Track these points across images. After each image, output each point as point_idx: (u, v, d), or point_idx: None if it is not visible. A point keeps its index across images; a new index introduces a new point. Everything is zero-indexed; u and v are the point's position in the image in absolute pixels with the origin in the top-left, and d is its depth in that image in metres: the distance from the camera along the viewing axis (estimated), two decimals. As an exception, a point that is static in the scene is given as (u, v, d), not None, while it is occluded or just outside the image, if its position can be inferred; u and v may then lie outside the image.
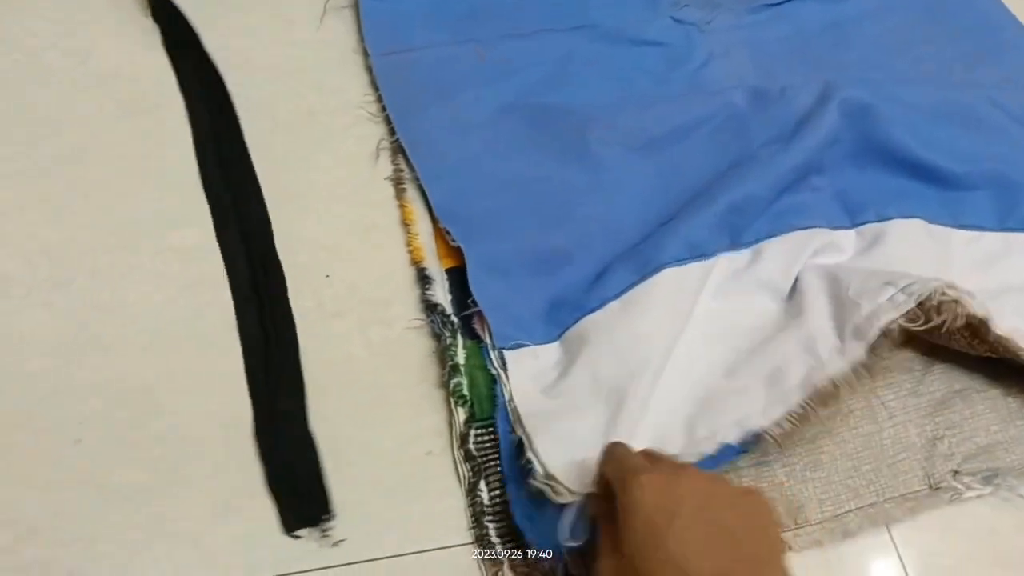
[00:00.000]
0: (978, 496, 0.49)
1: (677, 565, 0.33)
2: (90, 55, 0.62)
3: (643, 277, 0.51)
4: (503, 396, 0.48)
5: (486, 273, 0.52)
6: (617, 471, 0.37)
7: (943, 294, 0.47)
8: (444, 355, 0.50)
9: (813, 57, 0.68)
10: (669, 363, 0.48)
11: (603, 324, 0.50)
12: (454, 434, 0.48)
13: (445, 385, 0.49)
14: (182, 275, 0.52)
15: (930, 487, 0.49)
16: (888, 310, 0.47)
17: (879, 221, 0.56)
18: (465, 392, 0.49)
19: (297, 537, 0.44)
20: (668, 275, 0.51)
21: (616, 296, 0.51)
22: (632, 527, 0.34)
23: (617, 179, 0.58)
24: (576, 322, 0.51)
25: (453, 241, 0.53)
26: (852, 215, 0.56)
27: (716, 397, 0.48)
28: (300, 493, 0.46)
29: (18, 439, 0.45)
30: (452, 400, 0.49)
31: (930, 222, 0.56)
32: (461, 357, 0.50)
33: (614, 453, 0.40)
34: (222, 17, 0.64)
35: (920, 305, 0.47)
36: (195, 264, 0.52)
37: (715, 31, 0.68)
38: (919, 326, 0.47)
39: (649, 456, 0.39)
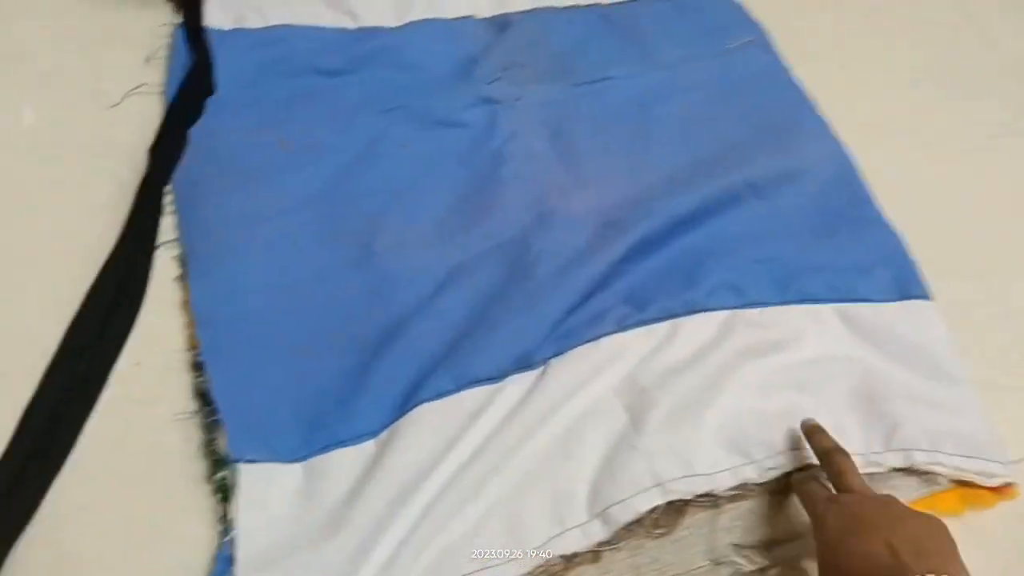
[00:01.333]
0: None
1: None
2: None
3: (402, 414, 0.52)
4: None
5: (235, 377, 0.53)
6: (808, 502, 0.49)
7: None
8: (209, 448, 0.49)
9: (614, 141, 0.70)
10: (422, 503, 0.49)
11: (354, 462, 0.51)
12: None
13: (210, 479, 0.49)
14: None
15: (712, 562, 0.50)
16: (642, 503, 0.50)
17: (668, 318, 0.57)
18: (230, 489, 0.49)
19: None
20: (427, 411, 0.52)
21: (373, 435, 0.52)
22: (821, 541, 0.46)
23: (398, 285, 0.58)
24: (328, 451, 0.51)
25: (198, 356, 0.53)
26: (640, 310, 0.57)
27: (456, 542, 0.48)
28: None
29: None
30: (217, 497, 0.47)
31: (715, 310, 0.58)
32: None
33: (803, 487, 0.50)
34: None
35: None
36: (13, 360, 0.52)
37: (521, 109, 0.70)
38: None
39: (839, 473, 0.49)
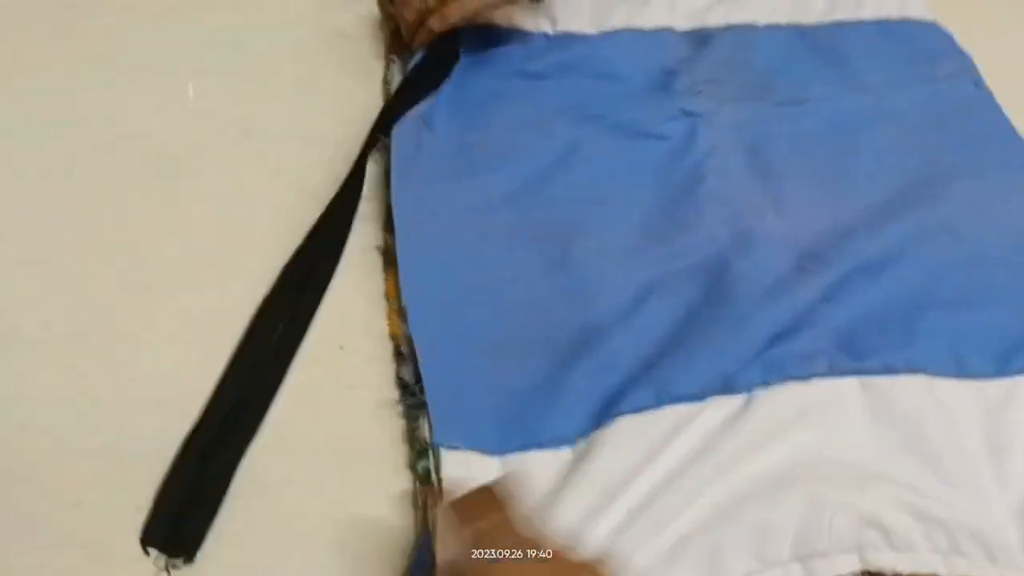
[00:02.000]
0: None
1: None
2: (117, 110, 0.64)
3: (600, 425, 0.51)
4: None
5: (439, 361, 0.53)
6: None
7: None
8: (411, 435, 0.50)
9: (813, 164, 0.68)
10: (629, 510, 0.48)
11: (551, 466, 0.50)
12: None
13: (412, 467, 0.50)
14: (196, 339, 0.54)
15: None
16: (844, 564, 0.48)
17: (886, 373, 0.54)
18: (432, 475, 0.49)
19: (145, 553, 0.46)
20: (627, 423, 0.51)
21: (570, 442, 0.51)
22: None
23: (595, 293, 0.58)
24: (524, 451, 0.51)
25: (404, 334, 0.54)
26: (855, 358, 0.55)
27: (648, 567, 0.47)
28: (179, 519, 0.47)
29: (16, 497, 0.47)
30: (416, 484, 0.47)
31: (935, 375, 0.55)
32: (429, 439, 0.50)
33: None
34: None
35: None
36: (212, 332, 0.54)
37: (721, 125, 0.69)
38: None
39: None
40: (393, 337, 0.55)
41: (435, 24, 0.65)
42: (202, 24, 0.69)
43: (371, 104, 0.66)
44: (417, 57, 0.68)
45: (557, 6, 0.73)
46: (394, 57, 0.70)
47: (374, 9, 0.73)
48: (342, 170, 0.61)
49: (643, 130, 0.67)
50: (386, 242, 0.59)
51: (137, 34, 0.68)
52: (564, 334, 0.56)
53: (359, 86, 0.67)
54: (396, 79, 0.68)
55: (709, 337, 0.55)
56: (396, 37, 0.70)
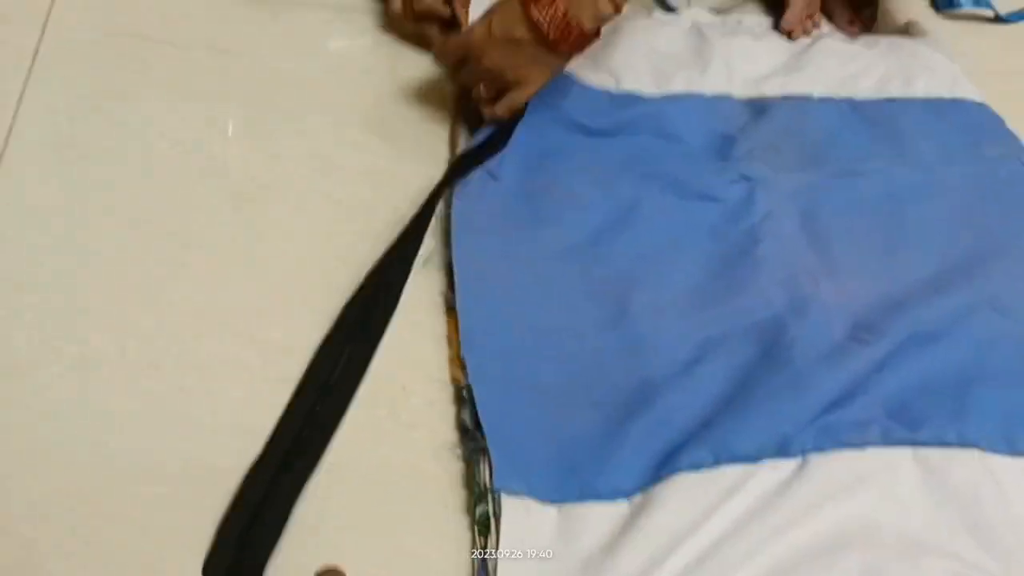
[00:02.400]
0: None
1: None
2: (199, 145, 0.66)
3: (658, 480, 0.52)
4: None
5: (498, 408, 0.54)
6: None
7: None
8: (472, 480, 0.50)
9: (865, 235, 0.69)
10: (685, 565, 0.49)
11: (608, 518, 0.51)
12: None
13: (471, 510, 0.50)
14: (263, 370, 0.55)
15: None
16: None
17: (939, 445, 0.55)
18: (491, 520, 0.49)
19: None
20: (684, 480, 0.52)
21: (627, 495, 0.52)
22: None
23: (651, 350, 0.59)
24: (582, 501, 0.51)
25: (465, 379, 0.55)
26: (909, 428, 0.55)
27: None
28: (240, 553, 0.48)
29: (85, 517, 0.48)
30: (475, 528, 0.48)
31: (987, 451, 0.56)
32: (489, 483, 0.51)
33: None
34: None
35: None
36: (278, 361, 0.56)
37: (777, 190, 0.70)
38: None
39: None
40: (454, 381, 0.56)
41: (502, 111, 0.67)
42: (280, 69, 0.72)
43: (438, 153, 0.68)
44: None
45: (620, 67, 0.76)
46: (459, 114, 0.72)
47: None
48: (409, 213, 0.63)
49: (702, 192, 0.69)
50: (449, 287, 0.60)
51: (218, 71, 0.70)
52: (621, 387, 0.57)
53: (427, 135, 0.70)
54: (462, 133, 0.70)
55: (765, 398, 0.56)
56: (462, 94, 0.72)
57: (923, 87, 0.83)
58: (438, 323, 0.59)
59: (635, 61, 0.77)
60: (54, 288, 0.56)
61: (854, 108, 0.80)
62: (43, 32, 0.68)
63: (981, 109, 0.82)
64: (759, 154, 0.72)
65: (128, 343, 0.55)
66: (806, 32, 0.87)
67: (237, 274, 0.59)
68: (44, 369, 0.53)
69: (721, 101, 0.77)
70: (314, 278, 0.60)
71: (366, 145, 0.68)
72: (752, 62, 0.81)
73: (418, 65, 0.73)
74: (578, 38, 0.63)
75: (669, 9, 0.87)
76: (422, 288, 0.60)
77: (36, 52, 0.67)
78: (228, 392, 0.54)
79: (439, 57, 0.69)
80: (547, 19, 0.61)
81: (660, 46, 0.79)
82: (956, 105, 0.82)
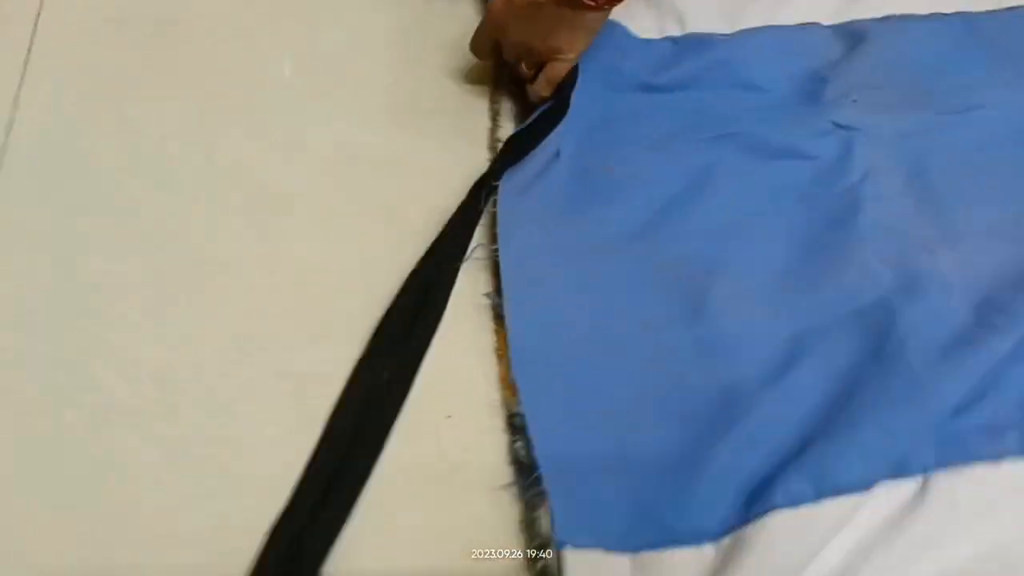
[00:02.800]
0: None
1: None
2: (213, 144, 0.59)
3: (749, 519, 0.44)
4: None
5: (556, 441, 0.47)
6: None
7: None
8: (530, 527, 0.43)
9: (987, 183, 0.58)
10: None
11: (693, 567, 0.43)
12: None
13: (531, 566, 0.44)
14: (296, 406, 0.49)
15: None
16: None
17: None
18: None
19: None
20: (780, 520, 0.43)
21: (713, 538, 0.44)
22: None
23: (735, 351, 0.50)
24: (660, 548, 0.44)
25: (517, 404, 0.48)
26: None
27: None
28: None
29: None
30: (536, 583, 0.42)
31: None
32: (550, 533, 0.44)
33: None
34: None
35: None
36: (312, 394, 0.49)
37: (880, 140, 0.59)
38: None
39: None
40: (506, 405, 0.49)
41: (542, 90, 0.58)
42: (300, 51, 0.63)
43: (480, 140, 0.60)
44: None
45: (682, 4, 0.65)
46: (498, 101, 0.62)
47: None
48: (450, 209, 0.55)
49: (788, 148, 0.58)
50: (496, 289, 0.53)
51: (237, 68, 0.63)
52: (701, 398, 0.49)
53: (467, 119, 0.61)
54: (506, 116, 0.61)
55: (875, 409, 0.46)
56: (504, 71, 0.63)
57: (1055, -10, 0.70)
58: (484, 334, 0.51)
59: (701, -9, 0.66)
60: (57, 324, 0.51)
61: (968, 25, 0.67)
62: (36, 23, 0.62)
63: None
64: (856, 94, 0.61)
65: (143, 386, 0.49)
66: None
67: (260, 295, 0.52)
68: (52, 419, 0.47)
69: (807, 32, 0.65)
70: (346, 293, 0.52)
71: (397, 133, 0.60)
72: (843, -23, 0.69)
73: (452, 33, 0.63)
74: None
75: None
76: (465, 291, 0.52)
77: (31, 45, 0.61)
78: (257, 435, 0.48)
79: (473, 51, 0.60)
80: None
81: (732, -32, 0.68)
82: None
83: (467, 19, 0.64)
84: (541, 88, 0.57)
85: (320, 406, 0.48)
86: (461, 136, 0.59)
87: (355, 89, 0.62)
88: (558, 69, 0.56)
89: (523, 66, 0.59)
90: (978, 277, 0.53)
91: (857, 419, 0.46)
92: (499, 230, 0.53)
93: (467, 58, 0.61)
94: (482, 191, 0.55)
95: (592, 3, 0.52)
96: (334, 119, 0.60)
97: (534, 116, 0.58)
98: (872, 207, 0.56)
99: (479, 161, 0.58)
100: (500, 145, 0.58)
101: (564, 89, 0.57)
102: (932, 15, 0.67)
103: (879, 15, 0.67)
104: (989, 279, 0.53)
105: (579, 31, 0.55)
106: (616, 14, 0.58)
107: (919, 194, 0.57)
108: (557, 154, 0.56)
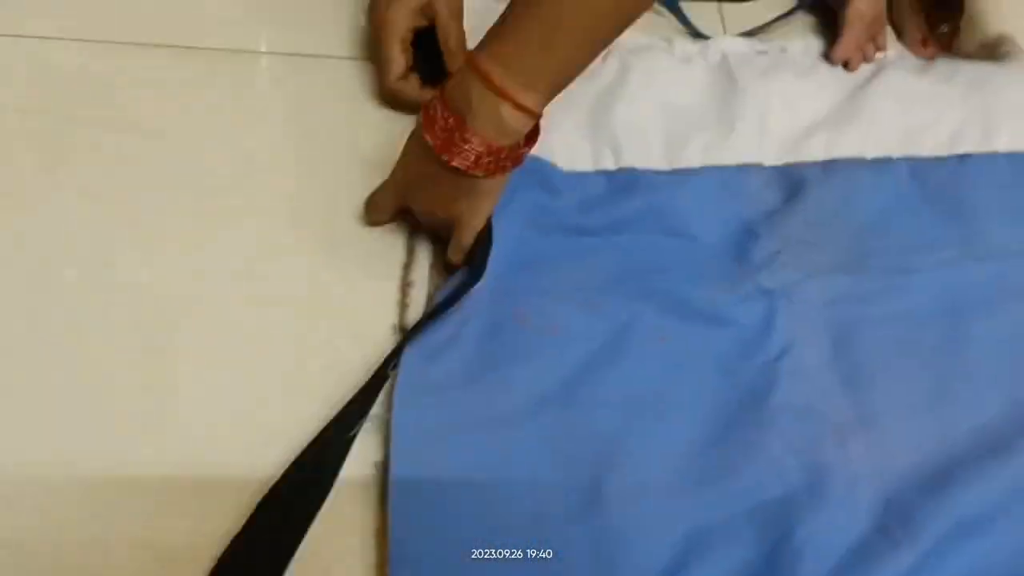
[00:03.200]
0: None
1: None
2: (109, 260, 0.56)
3: None
4: None
5: None
6: None
7: None
8: None
9: (914, 361, 0.56)
10: None
11: None
12: None
13: None
14: None
15: None
16: None
17: None
18: None
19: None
20: None
21: None
22: None
23: (625, 551, 0.47)
24: None
25: None
26: None
27: None
28: None
29: None
30: None
31: None
32: None
33: None
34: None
35: None
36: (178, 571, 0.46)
37: (804, 304, 0.58)
38: None
39: None
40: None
41: (453, 258, 0.55)
42: (209, 158, 0.61)
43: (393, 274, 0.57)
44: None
45: (620, 135, 0.62)
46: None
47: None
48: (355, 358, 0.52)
49: (710, 312, 0.56)
50: (385, 457, 0.50)
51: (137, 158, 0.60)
52: None
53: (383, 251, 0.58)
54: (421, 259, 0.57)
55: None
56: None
57: (1007, 138, 0.68)
58: (369, 512, 0.48)
59: (641, 123, 0.63)
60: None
61: (915, 174, 0.65)
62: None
63: (1080, 170, 0.67)
64: (787, 254, 0.59)
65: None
66: (867, 59, 0.71)
67: (132, 445, 0.49)
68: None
69: (746, 173, 0.63)
70: (233, 457, 0.49)
71: (304, 265, 0.57)
72: (792, 112, 0.67)
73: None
74: (494, 155, 0.49)
75: (698, 36, 0.72)
76: (358, 457, 0.49)
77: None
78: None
79: (370, 211, 0.58)
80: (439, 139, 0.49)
81: (676, 97, 0.66)
82: (1047, 162, 0.67)
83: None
84: (452, 255, 0.55)
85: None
86: (372, 276, 0.56)
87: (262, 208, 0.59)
88: (467, 236, 0.54)
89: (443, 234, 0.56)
90: (886, 470, 0.51)
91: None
92: (395, 402, 0.50)
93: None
94: (389, 360, 0.52)
95: (480, 170, 0.50)
96: (243, 238, 0.57)
97: (445, 292, 0.55)
98: (788, 385, 0.54)
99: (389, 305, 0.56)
100: (411, 290, 0.56)
101: (477, 256, 0.54)
102: (878, 160, 0.65)
103: (824, 157, 0.65)
104: (896, 473, 0.51)
105: (479, 196, 0.52)
106: (543, 148, 0.56)
107: (841, 369, 0.55)
108: (468, 319, 0.54)
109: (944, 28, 0.74)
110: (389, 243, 0.58)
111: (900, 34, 0.75)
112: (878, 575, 0.47)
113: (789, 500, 0.50)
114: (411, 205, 0.54)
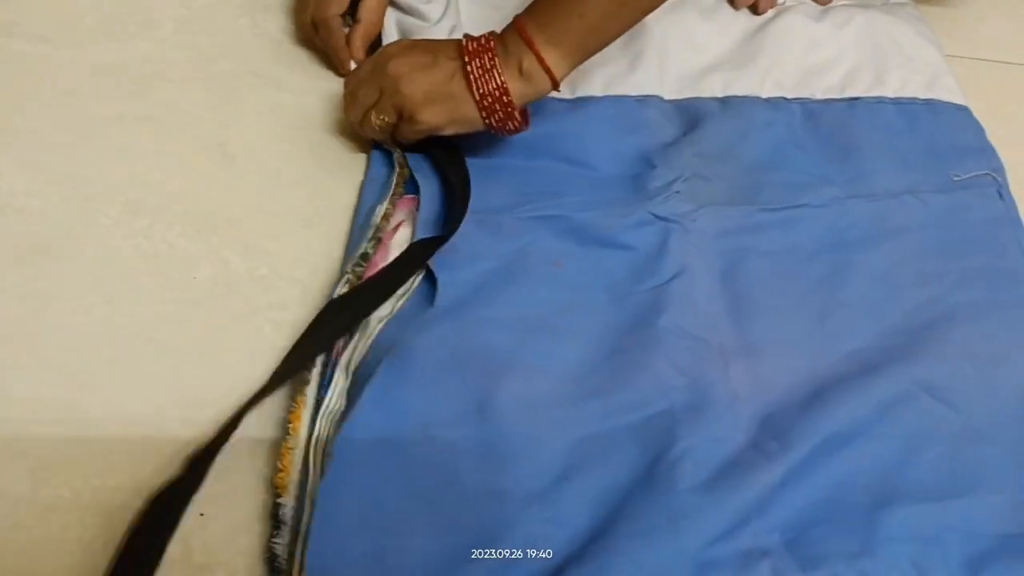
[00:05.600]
0: None
1: None
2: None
3: None
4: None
5: (326, 549, 0.45)
6: None
7: None
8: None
9: (797, 292, 0.59)
10: None
11: None
12: None
13: None
14: None
15: None
16: None
17: None
18: None
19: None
20: None
21: None
22: None
23: (510, 459, 0.49)
24: None
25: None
26: (803, 567, 0.47)
27: None
28: None
29: None
30: None
31: None
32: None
33: None
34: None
35: None
36: None
37: (696, 233, 0.59)
38: None
39: None
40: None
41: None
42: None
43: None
44: None
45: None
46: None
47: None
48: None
49: (605, 237, 0.58)
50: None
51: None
52: (470, 506, 0.47)
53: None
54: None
55: (632, 538, 0.46)
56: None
57: (896, 84, 0.70)
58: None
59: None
60: None
61: (808, 115, 0.68)
62: None
63: (959, 116, 0.70)
64: (681, 184, 0.60)
65: None
66: (770, 3, 0.73)
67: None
68: None
69: (646, 105, 0.65)
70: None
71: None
72: (693, 50, 0.68)
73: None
74: (499, 98, 0.54)
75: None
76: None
77: None
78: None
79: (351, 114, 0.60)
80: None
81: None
82: (930, 109, 0.70)
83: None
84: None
85: None
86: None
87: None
88: (415, 129, 0.56)
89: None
90: (764, 392, 0.54)
91: (614, 548, 0.46)
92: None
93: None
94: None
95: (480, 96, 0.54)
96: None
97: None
98: (677, 309, 0.55)
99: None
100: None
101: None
102: (774, 99, 0.67)
103: (721, 94, 0.67)
104: (773, 395, 0.54)
105: (453, 104, 0.55)
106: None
107: (727, 297, 0.58)
108: None
109: (842, -26, 0.76)
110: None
111: (800, -21, 0.77)
112: (751, 485, 0.49)
113: (671, 415, 0.52)
114: (392, 75, 0.55)
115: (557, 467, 0.49)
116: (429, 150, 0.60)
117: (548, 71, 0.54)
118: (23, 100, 0.57)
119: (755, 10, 0.73)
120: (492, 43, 0.54)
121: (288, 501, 0.47)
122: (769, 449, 0.51)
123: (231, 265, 0.54)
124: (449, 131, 0.56)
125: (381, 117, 0.56)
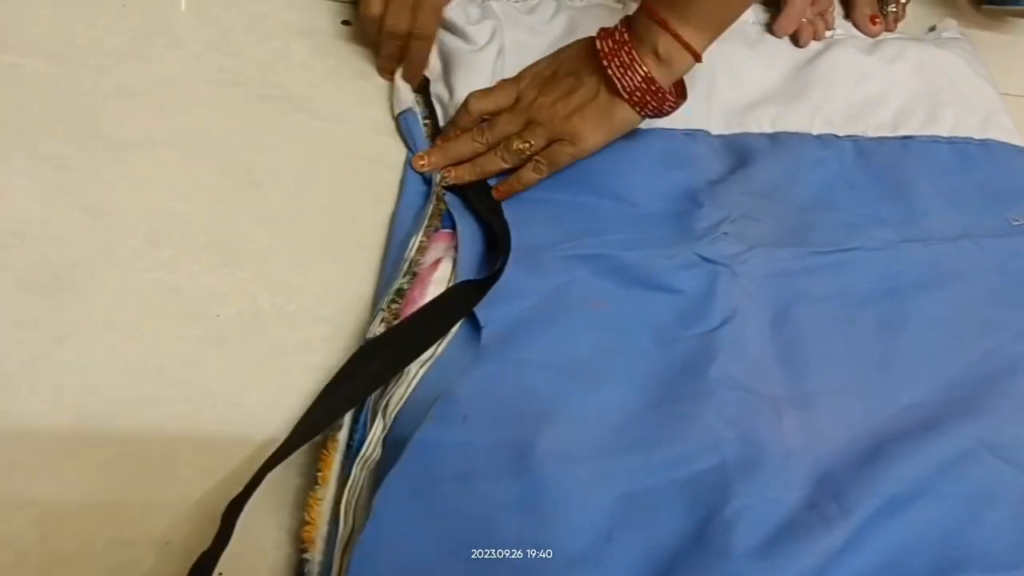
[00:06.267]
0: None
1: None
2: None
3: None
4: None
5: None
6: None
7: None
8: None
9: (851, 339, 0.56)
10: None
11: None
12: None
13: None
14: None
15: None
16: None
17: None
18: None
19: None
20: None
21: None
22: None
23: (552, 512, 0.45)
24: None
25: None
26: None
27: None
28: None
29: None
30: None
31: None
32: None
33: None
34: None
35: None
36: None
37: (745, 276, 0.56)
38: None
39: None
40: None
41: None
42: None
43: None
44: None
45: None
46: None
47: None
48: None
49: (649, 278, 0.54)
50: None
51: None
52: (512, 566, 0.44)
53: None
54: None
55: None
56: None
57: (950, 122, 0.68)
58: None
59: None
60: None
61: (860, 152, 0.65)
62: None
63: (1016, 156, 0.67)
64: (730, 225, 0.57)
65: None
66: (817, 36, 0.70)
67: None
68: None
69: (693, 140, 0.62)
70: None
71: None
72: (740, 83, 0.66)
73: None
74: (647, 85, 0.55)
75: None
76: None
77: None
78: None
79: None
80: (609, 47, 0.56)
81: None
82: (986, 148, 0.67)
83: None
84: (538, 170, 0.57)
85: None
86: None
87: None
88: (576, 152, 0.56)
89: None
90: (820, 446, 0.50)
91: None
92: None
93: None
94: None
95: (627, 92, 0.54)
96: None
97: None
98: (726, 356, 0.52)
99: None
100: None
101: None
102: (824, 136, 0.65)
103: (771, 130, 0.64)
104: (830, 452, 0.50)
105: (604, 120, 0.56)
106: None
107: (779, 343, 0.54)
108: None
109: (892, 7, 0.73)
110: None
111: (849, 11, 0.74)
112: (810, 550, 0.46)
113: (723, 471, 0.48)
114: (540, 104, 0.56)
115: (601, 525, 0.46)
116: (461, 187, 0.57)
117: (687, 46, 0.54)
118: (43, 123, 0.54)
119: (796, 41, 0.70)
120: (626, 35, 0.54)
121: (315, 556, 0.44)
122: (828, 511, 0.48)
123: (257, 300, 0.51)
124: (609, 141, 0.57)
125: (528, 142, 0.55)
